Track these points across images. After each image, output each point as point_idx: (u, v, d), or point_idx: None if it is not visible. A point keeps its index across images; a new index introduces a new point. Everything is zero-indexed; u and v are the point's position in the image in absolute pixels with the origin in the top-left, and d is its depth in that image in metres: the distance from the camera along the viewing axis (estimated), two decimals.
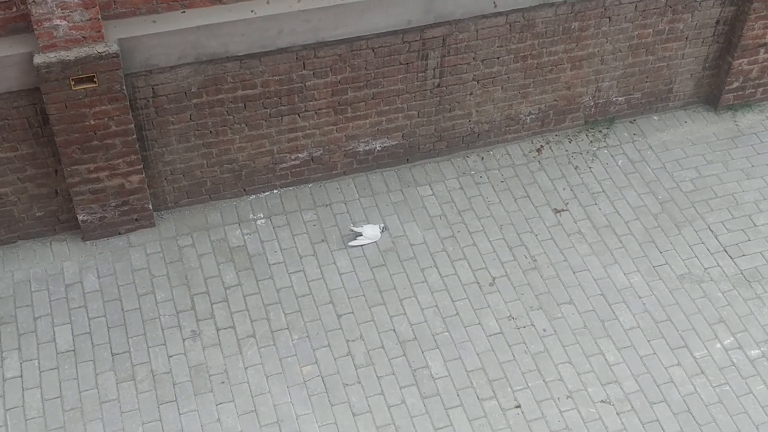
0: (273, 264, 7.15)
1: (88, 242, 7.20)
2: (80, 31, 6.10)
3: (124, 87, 6.38)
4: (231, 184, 7.45)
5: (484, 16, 7.09)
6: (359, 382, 6.48)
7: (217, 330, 6.73)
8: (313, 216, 7.50)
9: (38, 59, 6.10)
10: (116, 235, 7.25)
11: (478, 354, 6.67)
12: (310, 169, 7.60)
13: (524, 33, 7.32)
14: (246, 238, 7.30)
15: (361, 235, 7.29)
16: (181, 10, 6.47)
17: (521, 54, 7.47)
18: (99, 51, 6.16)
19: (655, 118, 8.46)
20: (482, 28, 7.16)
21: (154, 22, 6.38)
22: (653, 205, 7.73)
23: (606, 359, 6.68)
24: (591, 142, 8.20)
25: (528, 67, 7.58)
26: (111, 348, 6.59)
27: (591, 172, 7.96)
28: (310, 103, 7.11)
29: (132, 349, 6.59)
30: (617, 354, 6.70)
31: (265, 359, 6.57)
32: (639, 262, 7.30)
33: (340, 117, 7.31)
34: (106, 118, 6.48)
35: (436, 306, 6.96)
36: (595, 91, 8.01)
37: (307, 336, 6.72)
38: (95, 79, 6.26)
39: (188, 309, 6.83)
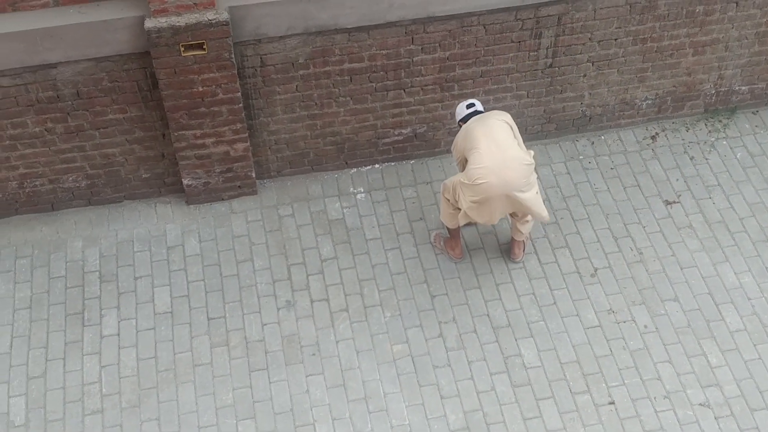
0: (370, 239, 7.15)
1: (191, 206, 7.30)
2: None
3: (233, 55, 6.41)
4: (333, 156, 7.47)
5: None
6: (449, 365, 6.45)
7: (312, 302, 6.78)
8: (413, 193, 7.44)
9: (149, 23, 6.17)
10: (219, 200, 7.33)
11: (573, 346, 6.58)
12: (413, 146, 7.56)
13: (645, 15, 7.10)
14: (345, 211, 7.31)
15: None
16: None
17: (641, 36, 7.25)
18: (209, 18, 6.19)
19: None
20: (600, 8, 6.97)
21: None
22: None
23: (708, 361, 6.52)
24: (709, 132, 7.92)
25: (647, 50, 7.36)
26: (207, 312, 6.71)
27: (707, 163, 7.67)
28: (417, 78, 7.05)
29: (228, 315, 6.69)
30: (720, 356, 6.54)
31: (356, 334, 6.60)
32: (751, 262, 7.06)
33: (446, 94, 7.23)
34: (213, 86, 6.54)
35: (533, 294, 6.87)
36: (718, 79, 7.75)
37: (400, 314, 6.72)
38: (205, 46, 6.30)
39: (284, 279, 6.90)
